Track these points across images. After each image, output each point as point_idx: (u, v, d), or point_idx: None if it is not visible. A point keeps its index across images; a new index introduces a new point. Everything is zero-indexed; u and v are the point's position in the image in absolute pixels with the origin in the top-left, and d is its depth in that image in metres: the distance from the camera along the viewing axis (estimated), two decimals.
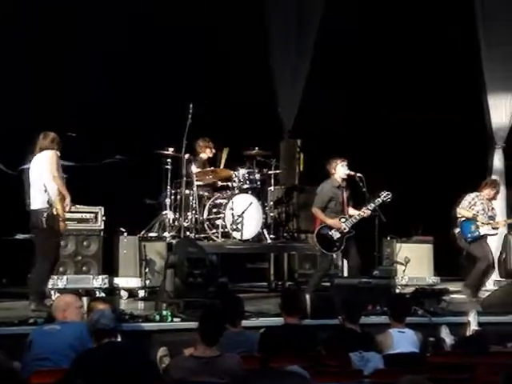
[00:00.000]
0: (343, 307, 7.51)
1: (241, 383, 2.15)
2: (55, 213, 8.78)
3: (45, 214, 8.73)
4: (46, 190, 8.77)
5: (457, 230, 10.86)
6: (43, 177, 8.82)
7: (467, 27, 12.37)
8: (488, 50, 12.32)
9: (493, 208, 10.98)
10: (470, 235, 10.70)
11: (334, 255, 10.50)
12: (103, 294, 10.18)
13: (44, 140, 8.98)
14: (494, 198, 10.98)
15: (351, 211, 10.15)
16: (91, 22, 11.90)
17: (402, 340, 7.17)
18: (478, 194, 10.87)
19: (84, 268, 10.38)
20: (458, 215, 10.80)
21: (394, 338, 7.17)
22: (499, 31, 12.29)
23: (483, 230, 10.72)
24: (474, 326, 8.60)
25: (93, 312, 6.27)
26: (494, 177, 12.23)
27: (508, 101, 12.42)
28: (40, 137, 9.01)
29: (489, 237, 11.00)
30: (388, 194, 10.02)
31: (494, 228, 10.84)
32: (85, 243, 10.42)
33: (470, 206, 10.78)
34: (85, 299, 7.80)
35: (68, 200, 8.88)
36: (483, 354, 6.93)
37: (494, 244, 11.57)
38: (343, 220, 10.02)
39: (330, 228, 10.01)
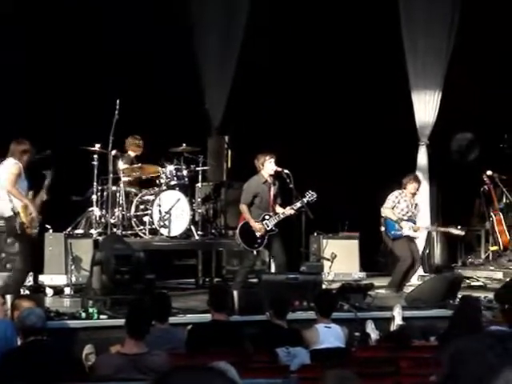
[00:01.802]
0: (270, 303, 7.55)
1: (161, 379, 2.14)
2: (20, 220, 8.84)
3: (17, 221, 8.83)
4: (10, 200, 8.84)
5: (382, 229, 11.01)
6: (4, 185, 8.88)
7: (392, 31, 12.53)
8: (410, 53, 12.51)
9: (416, 204, 11.16)
10: (393, 232, 10.86)
11: (260, 251, 10.56)
12: (27, 292, 10.04)
13: (15, 147, 8.95)
14: (416, 192, 11.16)
15: (277, 209, 10.20)
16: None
17: (329, 335, 7.25)
18: (400, 191, 11.04)
19: (8, 265, 10.21)
20: (383, 215, 10.95)
21: (321, 333, 7.24)
22: (420, 38, 12.48)
23: (405, 231, 10.87)
24: (398, 321, 8.75)
25: (22, 309, 6.18)
26: (418, 173, 12.43)
27: (432, 98, 12.62)
28: (13, 142, 8.99)
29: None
30: (313, 195, 10.09)
31: (415, 231, 11.01)
32: (9, 240, 10.25)
33: (394, 205, 10.93)
34: (8, 297, 7.69)
35: (31, 208, 8.89)
36: (406, 348, 7.06)
37: (419, 240, 11.75)
38: (267, 217, 10.07)
39: None
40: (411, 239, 11.01)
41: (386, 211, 10.90)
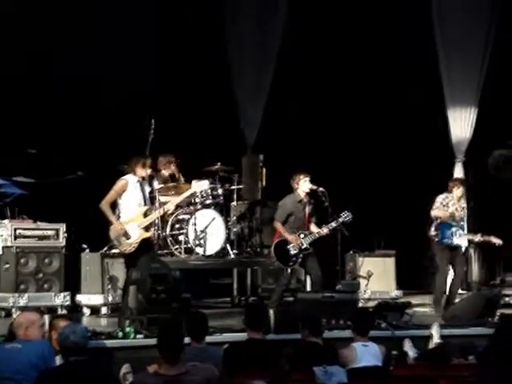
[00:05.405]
0: (306, 321, 7.52)
1: None
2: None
3: None
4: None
5: (433, 233, 10.85)
6: None
7: (428, 48, 12.51)
8: (445, 70, 12.48)
9: (463, 208, 11.00)
10: (446, 240, 10.69)
11: (296, 269, 10.53)
12: (65, 311, 10.11)
13: (130, 164, 9.34)
14: (462, 196, 10.98)
15: (312, 228, 10.18)
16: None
17: (366, 354, 7.19)
18: (447, 194, 10.87)
19: (45, 285, 10.29)
20: (433, 218, 10.77)
21: (358, 351, 7.19)
22: (456, 54, 12.45)
23: (456, 240, 10.71)
24: (436, 339, 8.66)
25: (64, 328, 6.17)
26: None
27: (467, 115, 12.55)
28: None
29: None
30: (348, 215, 10.06)
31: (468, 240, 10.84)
32: (46, 260, 10.34)
33: (442, 205, 10.75)
34: (46, 317, 7.73)
35: (118, 226, 9.19)
36: (446, 366, 6.98)
37: None
38: (302, 236, 10.07)
39: (288, 242, 10.06)
40: (457, 250, 10.82)
41: (436, 212, 10.71)
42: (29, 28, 11.59)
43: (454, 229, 10.65)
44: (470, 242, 11.79)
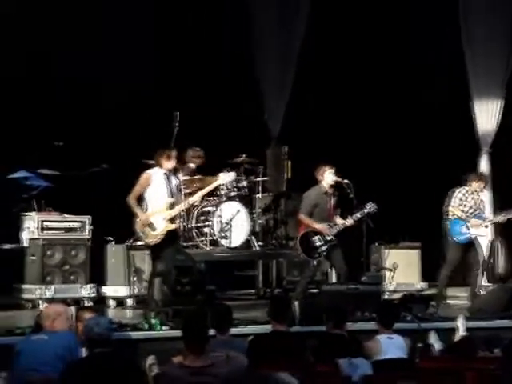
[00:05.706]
0: (330, 313, 7.52)
1: None
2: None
3: None
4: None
5: (446, 226, 10.79)
6: None
7: (452, 39, 12.44)
8: (470, 60, 12.42)
9: (482, 200, 10.94)
10: (456, 237, 10.64)
11: (321, 261, 10.52)
12: (91, 303, 10.18)
13: (155, 156, 9.26)
14: (482, 190, 10.94)
15: (337, 219, 10.16)
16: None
17: (391, 346, 7.18)
18: (467, 188, 10.78)
19: (71, 277, 10.37)
20: (450, 213, 10.72)
21: (383, 344, 7.18)
22: (480, 44, 12.37)
23: (474, 231, 10.65)
24: (462, 332, 8.63)
25: (89, 319, 6.22)
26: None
27: (493, 106, 12.48)
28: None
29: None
30: (373, 206, 10.02)
31: (486, 226, 10.79)
32: (72, 252, 10.41)
33: (461, 203, 10.71)
34: (73, 308, 7.79)
35: (143, 218, 9.13)
36: (472, 359, 6.95)
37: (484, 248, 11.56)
38: (327, 227, 10.06)
39: (313, 234, 10.04)
40: (471, 245, 10.77)
41: (454, 210, 10.66)
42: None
43: (464, 226, 10.58)
44: (495, 224, 11.69)
